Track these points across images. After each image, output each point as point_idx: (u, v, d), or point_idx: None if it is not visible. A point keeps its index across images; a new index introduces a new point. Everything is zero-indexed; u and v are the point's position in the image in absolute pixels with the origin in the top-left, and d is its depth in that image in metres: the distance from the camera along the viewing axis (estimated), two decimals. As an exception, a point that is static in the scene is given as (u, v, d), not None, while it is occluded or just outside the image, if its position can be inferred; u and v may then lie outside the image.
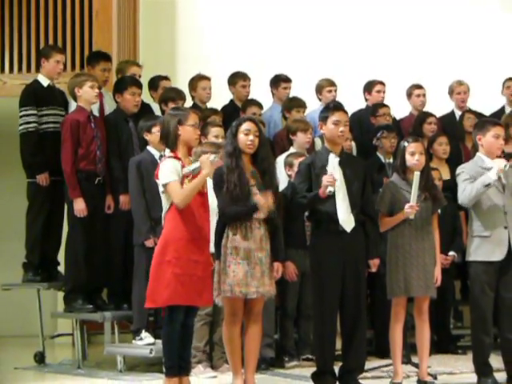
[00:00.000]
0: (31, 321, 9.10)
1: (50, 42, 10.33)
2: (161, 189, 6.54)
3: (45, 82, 9.02)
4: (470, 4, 12.43)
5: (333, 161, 6.88)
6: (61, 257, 8.90)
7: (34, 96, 8.90)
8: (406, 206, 7.04)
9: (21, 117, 8.83)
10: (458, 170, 7.47)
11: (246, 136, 6.79)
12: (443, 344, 9.12)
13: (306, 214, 7.34)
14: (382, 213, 7.26)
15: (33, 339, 9.03)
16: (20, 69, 10.43)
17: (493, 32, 12.23)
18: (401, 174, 7.34)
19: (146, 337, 8.11)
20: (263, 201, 6.64)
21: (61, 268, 8.95)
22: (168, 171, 6.45)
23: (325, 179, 6.74)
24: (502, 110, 10.70)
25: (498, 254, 7.13)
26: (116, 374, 7.98)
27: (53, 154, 8.63)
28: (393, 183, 7.38)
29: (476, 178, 7.16)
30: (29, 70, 10.28)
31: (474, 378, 7.20)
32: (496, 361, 7.28)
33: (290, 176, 8.29)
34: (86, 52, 10.30)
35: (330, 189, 6.73)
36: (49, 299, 9.40)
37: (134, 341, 8.23)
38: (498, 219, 7.19)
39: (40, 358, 8.75)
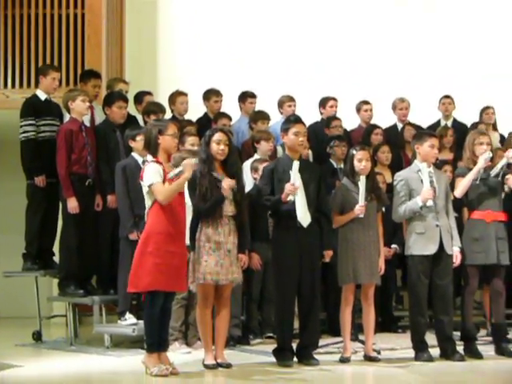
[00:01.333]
0: (30, 304, 8.99)
1: (48, 61, 10.29)
2: (145, 189, 6.57)
3: (42, 96, 9.00)
4: (411, 30, 12.40)
5: (296, 168, 6.94)
6: (56, 248, 8.91)
7: (33, 108, 8.87)
8: (357, 206, 7.12)
9: (21, 126, 8.79)
10: (395, 177, 7.61)
11: (218, 145, 6.91)
12: (386, 324, 9.21)
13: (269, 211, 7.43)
14: (335, 211, 7.33)
15: (31, 320, 8.95)
16: (21, 84, 10.37)
17: (430, 56, 12.22)
18: (350, 178, 7.41)
19: (130, 318, 8.13)
20: (226, 183, 6.76)
21: (56, 258, 8.96)
22: (152, 173, 6.48)
23: (287, 188, 6.86)
24: (438, 123, 10.87)
25: (431, 248, 7.24)
26: (103, 350, 7.98)
27: (49, 158, 8.59)
28: (344, 186, 7.47)
29: (410, 185, 7.32)
30: (29, 85, 10.22)
31: (412, 353, 7.29)
32: (430, 338, 7.36)
33: (255, 179, 8.33)
34: (78, 70, 10.26)
35: (291, 197, 6.87)
36: (45, 285, 9.35)
37: (119, 321, 8.25)
38: (431, 218, 7.28)
39: (37, 336, 8.77)
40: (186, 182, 6.70)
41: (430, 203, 7.20)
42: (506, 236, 7.76)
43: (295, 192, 6.88)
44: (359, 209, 7.14)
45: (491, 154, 7.64)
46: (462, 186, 7.68)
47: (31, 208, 8.94)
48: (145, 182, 6.58)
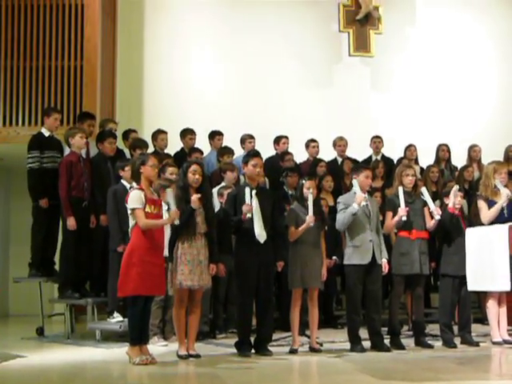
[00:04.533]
0: (34, 304, 8.94)
1: (52, 104, 10.25)
2: (129, 211, 6.56)
3: (46, 133, 8.97)
4: (357, 81, 12.49)
5: (249, 192, 6.97)
6: (56, 258, 8.88)
7: (38, 143, 8.83)
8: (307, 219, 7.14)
9: (27, 158, 8.77)
10: (338, 199, 7.64)
11: (194, 175, 6.91)
12: (327, 321, 9.14)
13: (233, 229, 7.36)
14: (291, 226, 7.28)
15: (35, 317, 8.90)
16: (29, 123, 10.32)
17: (365, 104, 12.34)
18: (300, 202, 7.42)
19: (117, 316, 8.11)
20: (194, 197, 6.76)
21: (56, 267, 8.92)
22: (135, 200, 6.49)
23: (244, 208, 6.92)
24: (370, 157, 10.90)
25: (365, 259, 7.27)
26: (95, 343, 7.93)
27: (51, 184, 8.57)
28: (295, 208, 7.46)
29: (349, 204, 7.31)
30: (35, 124, 10.16)
31: (348, 345, 7.33)
32: (363, 333, 7.40)
33: (221, 203, 8.26)
34: (77, 112, 10.22)
35: (248, 215, 6.90)
36: (47, 289, 9.24)
37: (108, 319, 8.23)
38: (365, 234, 7.31)
39: (40, 331, 8.72)
40: (166, 206, 6.74)
41: (404, 218, 7.35)
42: (427, 251, 7.75)
43: (250, 210, 6.91)
44: (309, 223, 7.15)
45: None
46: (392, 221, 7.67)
47: (36, 225, 8.87)
48: (128, 205, 6.58)
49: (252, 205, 6.97)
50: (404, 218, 7.40)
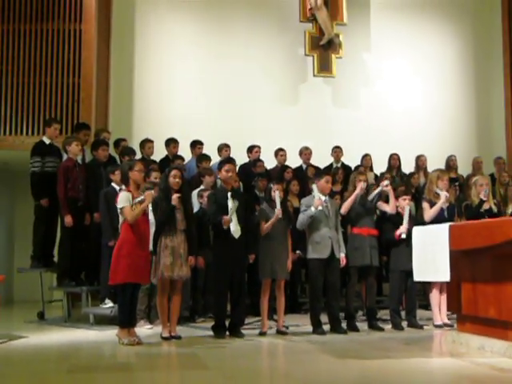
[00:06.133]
0: (36, 292, 8.90)
1: (52, 116, 10.21)
2: (119, 210, 6.57)
3: (47, 141, 8.97)
4: (317, 97, 12.47)
5: (231, 200, 7.02)
6: (55, 252, 8.85)
7: (40, 150, 8.81)
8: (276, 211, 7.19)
9: (30, 163, 8.75)
10: (301, 201, 7.66)
11: (174, 178, 6.92)
12: (293, 307, 9.13)
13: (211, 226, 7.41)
14: (263, 222, 7.29)
15: (36, 303, 8.88)
16: (32, 133, 10.26)
17: (326, 118, 12.35)
18: (269, 203, 7.44)
19: (109, 302, 8.12)
20: (174, 196, 6.75)
21: (55, 259, 8.88)
22: (123, 200, 6.51)
23: (224, 221, 6.91)
24: (331, 165, 10.94)
25: (324, 254, 7.31)
26: (89, 326, 7.92)
27: (51, 186, 8.52)
28: (265, 208, 7.46)
29: (310, 205, 7.33)
30: (38, 133, 10.10)
31: (310, 328, 7.37)
32: (324, 318, 7.44)
33: (200, 203, 8.31)
34: (74, 123, 10.18)
35: (225, 227, 6.94)
36: (47, 278, 9.23)
37: (100, 305, 8.23)
38: (325, 232, 7.36)
39: (41, 315, 8.72)
40: (150, 204, 6.71)
41: (403, 236, 7.55)
42: (377, 245, 7.82)
43: (228, 223, 6.95)
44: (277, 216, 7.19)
45: (365, 184, 7.79)
46: (346, 204, 7.77)
47: (37, 222, 8.84)
48: (118, 204, 6.58)
49: (230, 218, 6.98)
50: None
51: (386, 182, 7.95)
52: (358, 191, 7.72)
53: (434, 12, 13.27)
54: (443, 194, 7.78)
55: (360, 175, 7.97)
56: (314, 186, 7.51)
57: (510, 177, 10.72)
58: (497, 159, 11.58)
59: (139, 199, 6.50)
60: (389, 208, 7.92)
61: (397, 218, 7.83)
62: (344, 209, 7.74)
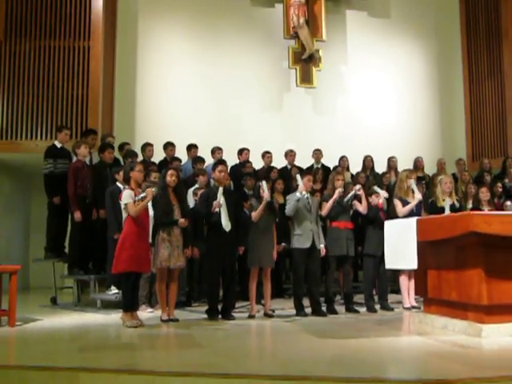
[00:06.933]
0: (49, 279, 8.88)
1: (63, 123, 10.17)
2: (122, 206, 6.58)
3: (58, 145, 8.97)
4: (303, 105, 12.45)
5: (221, 192, 7.04)
6: (66, 244, 8.84)
7: (52, 153, 8.80)
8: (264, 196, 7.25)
9: (44, 165, 8.75)
10: (287, 197, 7.66)
11: (171, 177, 6.95)
12: (278, 293, 9.12)
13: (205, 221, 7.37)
14: (253, 212, 7.27)
15: (50, 289, 8.85)
16: (45, 137, 10.18)
17: (309, 124, 12.32)
18: (257, 199, 7.42)
19: (114, 289, 8.12)
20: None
21: (66, 250, 8.86)
22: (127, 197, 6.52)
23: (214, 204, 6.94)
24: (312, 166, 10.91)
25: (306, 244, 7.33)
26: (96, 310, 7.90)
27: (62, 185, 8.50)
28: (253, 203, 7.42)
29: (293, 199, 7.36)
30: (50, 138, 10.00)
31: (294, 311, 7.40)
32: (306, 302, 7.45)
33: (195, 200, 8.26)
34: (83, 129, 10.13)
35: (217, 209, 6.96)
36: (59, 267, 9.20)
37: (107, 291, 8.23)
38: (307, 225, 7.37)
39: (54, 301, 8.70)
40: (150, 201, 6.68)
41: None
42: (353, 237, 7.84)
43: (220, 206, 6.94)
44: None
45: (343, 189, 7.78)
46: (326, 208, 7.76)
47: (50, 217, 8.83)
48: (122, 201, 6.59)
49: (220, 202, 6.99)
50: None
51: (358, 187, 7.99)
52: (335, 196, 7.72)
53: (403, 29, 13.32)
54: (417, 197, 7.73)
55: (338, 175, 7.96)
56: (298, 176, 7.54)
57: (470, 176, 10.81)
58: (458, 160, 11.66)
59: (141, 196, 6.50)
60: (361, 208, 7.99)
61: (369, 215, 7.92)
62: (325, 211, 7.74)
